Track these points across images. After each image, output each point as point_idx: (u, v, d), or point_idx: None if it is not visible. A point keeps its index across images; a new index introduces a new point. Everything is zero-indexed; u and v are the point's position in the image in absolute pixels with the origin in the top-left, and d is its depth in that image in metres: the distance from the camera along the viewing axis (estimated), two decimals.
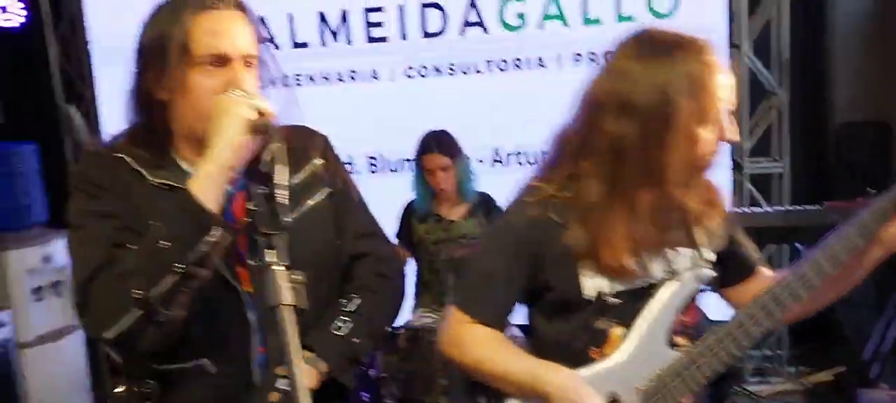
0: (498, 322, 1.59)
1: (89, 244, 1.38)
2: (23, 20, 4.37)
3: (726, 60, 2.05)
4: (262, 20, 2.70)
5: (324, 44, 4.22)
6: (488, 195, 3.54)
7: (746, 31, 3.91)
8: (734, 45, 3.89)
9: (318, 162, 1.58)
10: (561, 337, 1.56)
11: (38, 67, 4.58)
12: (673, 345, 1.54)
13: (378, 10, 4.14)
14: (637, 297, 1.53)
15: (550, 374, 1.49)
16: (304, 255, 1.43)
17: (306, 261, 1.42)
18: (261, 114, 1.31)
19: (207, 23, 1.38)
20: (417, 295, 3.52)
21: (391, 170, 4.26)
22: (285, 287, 1.17)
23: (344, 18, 4.18)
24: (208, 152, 1.31)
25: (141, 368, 1.48)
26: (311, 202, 1.54)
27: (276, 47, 4.10)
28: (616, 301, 1.52)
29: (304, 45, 4.23)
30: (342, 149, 1.67)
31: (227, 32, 1.39)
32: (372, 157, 4.30)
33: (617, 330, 1.54)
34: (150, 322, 1.29)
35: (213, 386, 1.45)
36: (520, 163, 4.14)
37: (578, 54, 3.96)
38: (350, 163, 4.12)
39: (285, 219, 1.39)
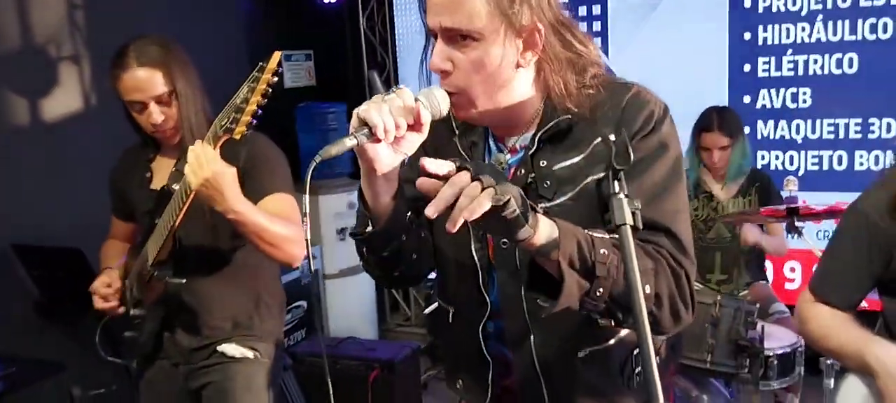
0: (846, 306, 1.69)
1: None
2: None
3: None
4: None
5: None
6: (761, 172, 3.48)
7: None
8: None
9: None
10: None
11: (349, 38, 5.20)
12: None
13: None
14: None
15: (877, 348, 1.57)
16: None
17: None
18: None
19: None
20: None
21: None
22: (627, 211, 1.14)
23: None
24: None
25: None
26: None
27: None
28: None
29: None
30: None
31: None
32: None
33: None
34: (364, 260, 1.43)
35: (453, 334, 1.53)
36: None
37: None
38: None
39: None
